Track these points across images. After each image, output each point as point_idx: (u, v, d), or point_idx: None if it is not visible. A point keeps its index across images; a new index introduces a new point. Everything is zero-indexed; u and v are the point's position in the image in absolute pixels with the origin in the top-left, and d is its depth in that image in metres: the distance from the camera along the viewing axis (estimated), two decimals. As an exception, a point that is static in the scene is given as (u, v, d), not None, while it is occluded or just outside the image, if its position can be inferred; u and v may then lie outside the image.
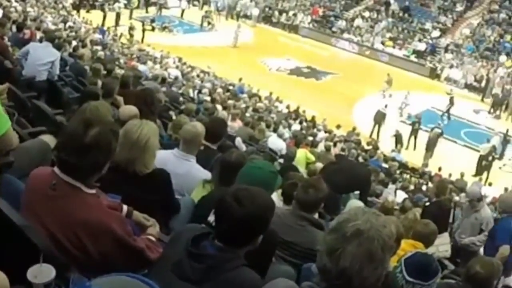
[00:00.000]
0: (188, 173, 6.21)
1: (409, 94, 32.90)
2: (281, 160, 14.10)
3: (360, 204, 9.39)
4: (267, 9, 50.30)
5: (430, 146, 27.22)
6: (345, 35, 45.81)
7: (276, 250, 4.80)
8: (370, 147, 24.92)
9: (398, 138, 27.91)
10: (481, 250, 10.31)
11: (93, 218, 3.43)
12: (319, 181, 5.63)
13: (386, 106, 29.81)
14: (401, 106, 30.91)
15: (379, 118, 29.38)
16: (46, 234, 3.41)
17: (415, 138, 28.66)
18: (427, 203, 12.52)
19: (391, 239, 2.65)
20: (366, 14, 48.02)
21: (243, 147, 13.58)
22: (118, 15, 42.73)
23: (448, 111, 32.82)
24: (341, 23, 47.24)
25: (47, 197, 3.44)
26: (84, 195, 3.47)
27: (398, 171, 22.37)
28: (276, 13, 49.34)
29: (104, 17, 42.07)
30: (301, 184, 5.65)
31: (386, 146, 26.68)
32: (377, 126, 29.41)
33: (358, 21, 47.08)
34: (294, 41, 45.33)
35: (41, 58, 11.71)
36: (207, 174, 6.25)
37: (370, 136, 28.90)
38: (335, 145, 20.03)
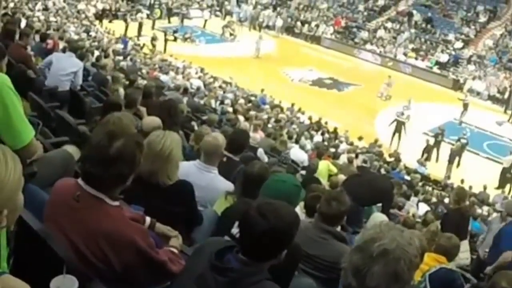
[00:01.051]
0: (210, 185, 6.19)
1: (390, 78, 34.45)
2: (303, 172, 14.07)
3: (383, 217, 9.35)
4: (289, 19, 50.26)
5: (453, 158, 27.05)
6: (368, 46, 45.70)
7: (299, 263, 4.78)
8: (392, 159, 24.82)
9: (427, 149, 27.84)
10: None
11: (116, 230, 3.42)
12: (342, 194, 5.60)
13: (402, 114, 29.68)
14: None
15: (399, 127, 29.29)
16: (69, 245, 3.42)
17: (438, 150, 28.43)
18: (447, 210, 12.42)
19: (417, 258, 2.62)
20: (389, 25, 47.93)
21: (265, 158, 13.56)
22: (140, 25, 42.84)
23: (461, 117, 32.81)
24: (364, 34, 47.20)
25: (71, 208, 3.45)
26: (107, 207, 3.47)
27: (420, 183, 22.24)
28: (299, 24, 49.30)
29: (127, 27, 42.26)
30: (324, 197, 5.62)
31: (408, 156, 26.46)
32: (397, 136, 29.30)
33: (380, 32, 47.00)
34: (317, 52, 45.26)
35: (64, 68, 11.70)
36: (229, 186, 6.23)
37: (390, 145, 28.81)
38: (357, 156, 19.94)
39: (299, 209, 6.54)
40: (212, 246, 3.38)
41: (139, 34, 42.01)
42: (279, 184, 4.76)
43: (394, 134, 29.42)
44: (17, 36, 11.96)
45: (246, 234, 3.27)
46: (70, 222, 3.45)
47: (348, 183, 10.83)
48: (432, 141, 28.52)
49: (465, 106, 32.92)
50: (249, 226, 3.24)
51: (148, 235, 3.64)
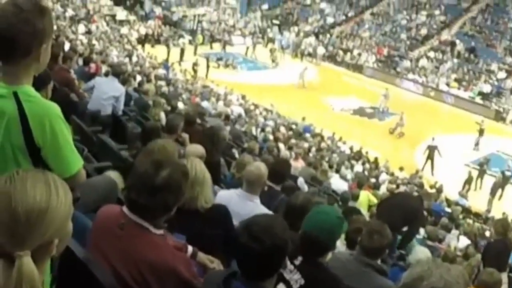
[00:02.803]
0: (250, 214, 6.08)
1: (387, 90, 35.20)
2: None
3: (426, 251, 9.27)
4: (331, 48, 50.29)
5: (496, 190, 26.70)
6: (410, 76, 45.53)
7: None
8: (434, 190, 24.56)
9: (468, 181, 27.52)
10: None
11: (160, 259, 3.43)
12: (384, 227, 5.55)
13: (433, 139, 29.65)
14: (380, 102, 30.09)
15: (431, 153, 29.19)
16: (112, 272, 3.44)
17: (481, 179, 28.11)
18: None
19: (463, 295, 2.61)
20: (431, 54, 47.81)
21: (305, 188, 13.51)
22: (182, 51, 43.20)
23: (477, 143, 32.62)
24: (406, 63, 47.05)
25: (115, 236, 3.47)
26: (152, 235, 3.48)
27: (461, 216, 21.94)
28: (341, 52, 49.31)
29: (169, 52, 42.61)
30: (366, 230, 5.57)
31: (449, 188, 26.05)
32: (429, 162, 29.20)
33: (423, 62, 46.92)
34: (358, 80, 45.28)
35: (106, 92, 11.76)
36: (271, 216, 6.18)
37: (422, 170, 28.59)
38: (398, 187, 19.76)
39: (340, 241, 6.49)
40: (215, 277, 3.40)
41: (181, 60, 42.32)
42: (321, 216, 4.70)
43: (426, 160, 29.41)
44: (60, 59, 12.07)
45: (244, 261, 3.28)
46: (114, 250, 3.47)
47: (380, 208, 10.80)
48: (474, 171, 28.23)
49: (481, 131, 32.72)
50: (244, 252, 3.23)
51: (191, 265, 3.67)
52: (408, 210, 10.49)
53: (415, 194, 19.91)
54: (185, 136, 9.92)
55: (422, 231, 13.64)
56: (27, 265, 2.06)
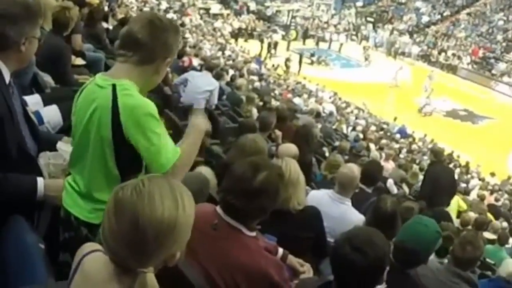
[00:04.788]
0: (342, 216, 6.15)
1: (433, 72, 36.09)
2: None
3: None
4: (425, 47, 49.60)
5: None
6: (505, 79, 44.27)
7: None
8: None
9: None
10: None
11: (252, 262, 3.43)
12: (477, 238, 5.49)
13: None
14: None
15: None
16: (202, 273, 3.46)
17: None
18: None
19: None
20: (529, 57, 46.43)
21: (394, 190, 13.39)
22: (275, 46, 43.24)
23: None
24: (502, 66, 45.81)
25: (207, 237, 3.48)
26: (244, 237, 3.49)
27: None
28: (435, 52, 48.56)
29: (262, 47, 42.74)
30: (459, 240, 5.52)
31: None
32: None
33: (519, 65, 45.57)
34: (452, 82, 44.33)
35: (200, 87, 11.72)
36: (361, 219, 6.12)
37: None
38: (491, 193, 19.35)
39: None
40: (308, 285, 3.41)
41: (272, 54, 42.42)
42: (421, 227, 4.65)
43: None
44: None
45: (343, 273, 3.21)
46: (206, 250, 3.48)
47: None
48: None
49: None
50: (346, 265, 3.14)
51: (283, 268, 3.64)
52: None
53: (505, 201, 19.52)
54: (278, 133, 9.95)
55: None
56: (150, 281, 2.11)
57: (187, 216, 2.13)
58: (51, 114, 4.40)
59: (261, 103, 15.69)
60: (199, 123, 3.58)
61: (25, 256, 2.97)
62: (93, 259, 2.23)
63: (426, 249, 4.59)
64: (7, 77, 3.37)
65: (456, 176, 21.62)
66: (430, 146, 27.97)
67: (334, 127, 22.61)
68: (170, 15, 37.87)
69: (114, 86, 3.24)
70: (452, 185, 12.77)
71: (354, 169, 6.65)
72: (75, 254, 2.39)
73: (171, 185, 2.15)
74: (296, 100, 25.85)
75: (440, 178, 11.84)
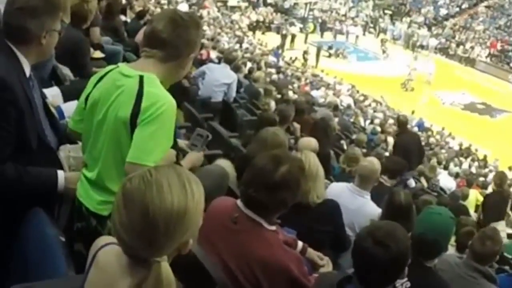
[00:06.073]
0: (359, 209, 6.16)
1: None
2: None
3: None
4: (443, 40, 49.31)
5: None
6: (524, 72, 43.95)
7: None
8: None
9: None
10: None
11: (271, 256, 3.43)
12: (496, 233, 5.46)
13: None
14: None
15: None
16: (222, 266, 3.46)
17: None
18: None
19: None
20: (548, 50, 46.07)
21: (413, 183, 13.35)
22: (293, 39, 43.23)
23: None
24: (519, 59, 45.47)
25: (227, 230, 3.49)
26: (264, 231, 3.49)
27: None
28: (453, 45, 48.25)
29: (283, 39, 42.58)
30: (478, 235, 5.50)
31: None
32: None
33: (538, 58, 45.22)
34: (470, 75, 44.11)
35: (218, 79, 11.74)
36: (377, 212, 6.13)
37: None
38: (509, 187, 19.23)
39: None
40: (328, 280, 3.37)
41: (291, 47, 42.32)
42: (434, 216, 4.63)
43: None
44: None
45: (365, 267, 3.19)
46: (226, 243, 3.49)
47: None
48: None
49: None
50: (368, 259, 3.12)
51: (302, 263, 3.63)
52: None
53: None
54: (297, 126, 9.96)
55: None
56: (165, 270, 2.08)
57: (197, 202, 2.15)
58: (73, 109, 4.39)
59: (279, 96, 15.67)
60: (194, 157, 3.94)
61: (45, 249, 2.98)
62: (107, 252, 2.25)
63: (446, 237, 4.62)
64: (28, 70, 3.39)
65: (481, 175, 21.75)
66: (447, 139, 27.93)
67: (352, 120, 22.51)
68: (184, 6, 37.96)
69: (141, 77, 3.26)
70: (420, 149, 14.28)
71: (374, 162, 6.66)
72: (87, 244, 2.41)
73: (178, 173, 2.16)
74: (314, 93, 25.82)
75: (408, 145, 12.92)
